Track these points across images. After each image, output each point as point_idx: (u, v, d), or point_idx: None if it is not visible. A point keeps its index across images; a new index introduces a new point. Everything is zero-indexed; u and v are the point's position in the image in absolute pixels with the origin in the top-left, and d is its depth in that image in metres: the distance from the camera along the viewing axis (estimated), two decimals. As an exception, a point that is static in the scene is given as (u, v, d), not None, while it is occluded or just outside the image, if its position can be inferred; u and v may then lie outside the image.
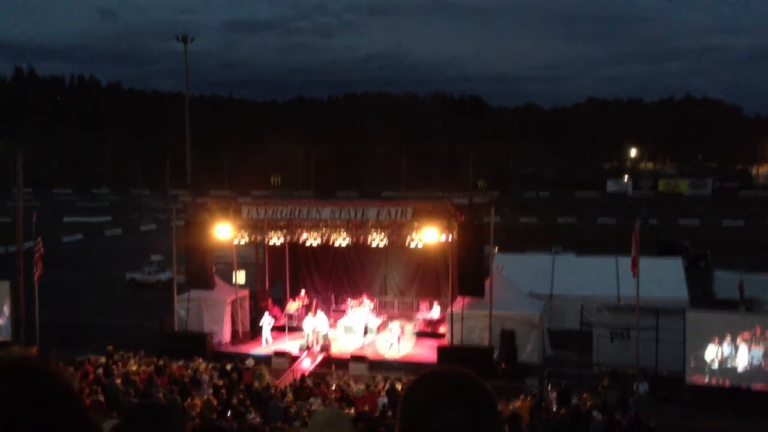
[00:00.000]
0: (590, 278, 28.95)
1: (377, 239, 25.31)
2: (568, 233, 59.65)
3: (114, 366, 20.71)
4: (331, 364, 24.26)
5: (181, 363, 22.26)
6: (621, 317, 23.55)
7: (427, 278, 29.28)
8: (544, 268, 30.46)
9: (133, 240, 63.22)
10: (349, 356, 24.33)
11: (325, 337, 25.64)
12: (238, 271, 28.16)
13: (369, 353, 24.78)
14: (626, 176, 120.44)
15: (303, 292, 29.57)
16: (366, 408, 17.62)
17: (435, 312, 27.77)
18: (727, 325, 21.43)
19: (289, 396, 18.21)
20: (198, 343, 25.20)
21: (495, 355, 23.32)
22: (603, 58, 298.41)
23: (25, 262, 25.83)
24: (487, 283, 23.99)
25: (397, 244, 25.88)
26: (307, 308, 28.22)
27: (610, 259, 29.90)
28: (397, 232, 24.97)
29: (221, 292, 27.27)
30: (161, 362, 21.81)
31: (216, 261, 28.79)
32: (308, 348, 25.33)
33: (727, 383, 21.22)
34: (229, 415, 15.82)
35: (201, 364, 22.20)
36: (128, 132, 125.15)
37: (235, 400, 16.78)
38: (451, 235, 24.36)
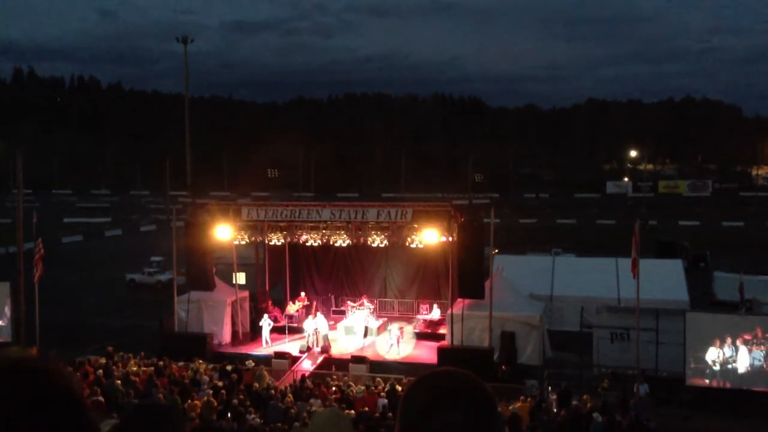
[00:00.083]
0: (590, 279, 28.95)
1: (377, 240, 25.33)
2: (568, 234, 59.70)
3: (114, 367, 20.69)
4: (331, 365, 24.24)
5: (181, 364, 22.23)
6: (621, 318, 23.53)
7: (427, 279, 29.31)
8: (544, 269, 30.48)
9: (133, 241, 63.30)
10: (349, 357, 24.31)
11: (326, 338, 25.65)
12: (238, 272, 28.21)
13: (369, 354, 24.76)
14: (626, 177, 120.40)
15: (303, 294, 29.60)
16: (366, 409, 17.59)
17: (435, 313, 27.77)
18: (728, 327, 21.40)
19: (289, 397, 18.18)
20: (198, 344, 25.19)
21: (495, 356, 23.30)
22: (603, 59, 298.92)
23: (25, 263, 25.82)
24: (487, 284, 23.95)
25: (397, 246, 25.92)
26: (307, 309, 28.23)
27: (610, 261, 29.92)
28: (397, 233, 24.97)
29: (221, 293, 27.25)
30: (161, 363, 21.78)
31: (216, 262, 28.80)
32: (308, 349, 25.33)
33: (728, 385, 21.21)
34: (229, 415, 15.84)
35: (201, 364, 22.19)
36: (128, 133, 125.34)
37: (235, 401, 16.77)
38: (451, 237, 24.36)
